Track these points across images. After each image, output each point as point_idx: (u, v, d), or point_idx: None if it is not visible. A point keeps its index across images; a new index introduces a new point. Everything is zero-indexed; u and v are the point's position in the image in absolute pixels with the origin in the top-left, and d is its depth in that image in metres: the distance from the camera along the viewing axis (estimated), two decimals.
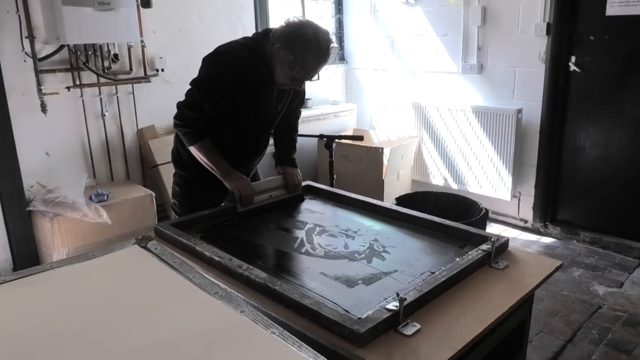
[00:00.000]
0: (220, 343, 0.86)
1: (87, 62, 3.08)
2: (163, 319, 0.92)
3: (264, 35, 1.81)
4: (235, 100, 1.82)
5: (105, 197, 3.05)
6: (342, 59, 4.70)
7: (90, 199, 3.00)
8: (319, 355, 0.81)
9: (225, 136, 1.92)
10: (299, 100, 2.14)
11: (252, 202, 1.90)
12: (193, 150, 1.88)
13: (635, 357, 2.29)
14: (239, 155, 1.97)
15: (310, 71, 1.77)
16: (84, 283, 1.06)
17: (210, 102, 1.80)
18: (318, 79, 1.96)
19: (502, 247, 1.57)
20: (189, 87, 1.85)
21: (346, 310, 1.22)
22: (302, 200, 2.09)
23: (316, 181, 2.63)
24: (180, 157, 2.04)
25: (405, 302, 1.17)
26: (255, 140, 2.02)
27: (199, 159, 1.89)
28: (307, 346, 0.84)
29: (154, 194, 3.15)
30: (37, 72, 2.91)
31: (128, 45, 3.24)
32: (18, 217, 2.97)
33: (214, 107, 1.82)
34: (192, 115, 1.82)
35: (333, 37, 1.81)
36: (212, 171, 1.89)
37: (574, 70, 3.38)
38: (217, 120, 1.87)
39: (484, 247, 1.53)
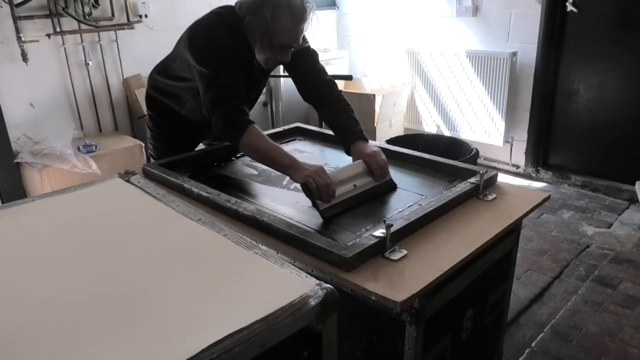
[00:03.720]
0: (202, 262, 0.86)
1: (66, 8, 2.96)
2: (144, 243, 0.92)
3: (233, 10, 1.61)
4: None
5: (94, 147, 3.01)
6: (333, 4, 4.55)
7: (79, 150, 2.96)
8: (301, 271, 0.81)
9: (200, 116, 1.76)
10: (306, 63, 1.77)
11: (333, 194, 1.41)
12: (244, 149, 1.59)
13: (620, 290, 2.35)
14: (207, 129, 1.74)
15: (290, 36, 1.55)
16: (65, 212, 1.04)
17: (235, 68, 1.57)
18: (306, 44, 1.69)
19: (490, 180, 1.57)
20: (203, 84, 1.58)
21: (333, 239, 1.22)
22: (395, 189, 1.58)
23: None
24: (152, 98, 1.92)
25: (392, 229, 1.17)
26: None
27: (257, 159, 1.64)
28: (289, 264, 0.84)
29: (142, 144, 3.11)
30: (15, 18, 2.81)
31: None
32: (7, 169, 2.94)
33: (237, 70, 1.58)
34: (228, 102, 1.54)
35: None
36: (272, 166, 1.57)
37: (571, 10, 3.29)
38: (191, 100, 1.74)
39: (473, 180, 1.52)
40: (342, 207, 1.43)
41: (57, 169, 2.82)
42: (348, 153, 1.69)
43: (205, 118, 1.67)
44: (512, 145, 3.78)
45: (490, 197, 1.50)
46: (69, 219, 1.01)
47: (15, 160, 2.92)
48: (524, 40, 3.50)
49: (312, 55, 1.80)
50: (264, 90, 3.97)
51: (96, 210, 1.04)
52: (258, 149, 1.56)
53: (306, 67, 1.78)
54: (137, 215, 1.02)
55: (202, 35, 1.62)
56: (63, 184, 2.86)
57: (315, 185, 1.39)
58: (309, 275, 0.80)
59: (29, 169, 2.89)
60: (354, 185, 1.50)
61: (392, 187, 1.58)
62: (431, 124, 4.03)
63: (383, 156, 1.60)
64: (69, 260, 0.87)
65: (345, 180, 1.49)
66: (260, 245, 0.90)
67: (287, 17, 1.52)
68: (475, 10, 3.67)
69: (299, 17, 1.54)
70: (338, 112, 1.76)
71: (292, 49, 1.62)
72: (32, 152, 2.91)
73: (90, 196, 1.10)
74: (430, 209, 1.33)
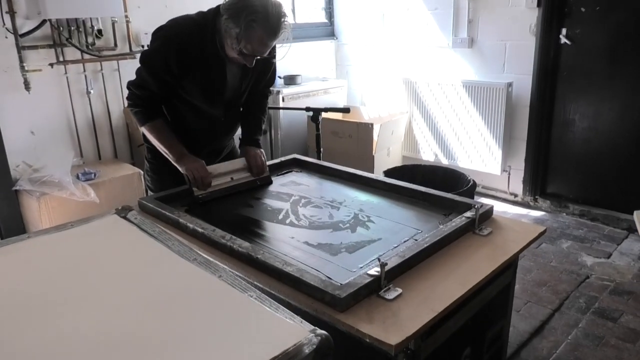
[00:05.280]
0: (196, 305, 0.85)
1: (70, 38, 3.02)
2: (139, 283, 0.92)
3: (217, 11, 1.71)
4: (182, 77, 1.75)
5: (93, 175, 3.02)
6: (332, 34, 4.64)
7: (78, 177, 2.97)
8: (295, 315, 0.81)
9: (184, 115, 1.86)
10: (267, 80, 2.02)
11: (209, 184, 1.79)
12: (145, 131, 1.82)
13: (621, 324, 2.32)
14: (200, 134, 1.91)
15: (258, 46, 1.65)
16: (61, 251, 1.04)
17: (155, 78, 1.74)
18: (273, 57, 1.86)
19: (486, 214, 1.57)
20: (136, 72, 1.80)
21: (328, 277, 1.22)
22: (270, 183, 1.95)
23: (306, 156, 2.62)
24: None
25: (387, 268, 1.17)
26: (216, 119, 1.91)
27: (152, 142, 1.84)
28: (284, 308, 0.84)
29: (141, 172, 3.12)
30: (19, 48, 2.86)
31: (112, 20, 3.18)
32: (4, 196, 2.94)
33: (160, 84, 1.75)
34: (140, 93, 1.77)
35: (287, 12, 1.68)
36: (165, 155, 1.82)
37: (565, 42, 3.35)
38: (173, 99, 1.82)
39: (468, 214, 1.52)
40: (216, 194, 1.80)
41: (55, 196, 2.82)
42: (240, 148, 2.02)
43: (200, 127, 1.90)
44: (509, 174, 3.79)
45: (486, 232, 1.50)
46: (64, 259, 1.01)
47: (14, 188, 2.93)
48: (519, 71, 3.55)
49: (272, 77, 2.04)
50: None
51: (92, 250, 1.04)
52: (155, 140, 1.83)
53: (262, 80, 2.00)
54: (133, 256, 1.02)
55: (160, 35, 1.75)
56: (61, 212, 2.86)
57: (193, 176, 1.75)
58: (303, 321, 0.79)
59: (27, 197, 2.90)
60: (231, 178, 1.87)
61: (267, 181, 1.94)
62: (429, 153, 4.06)
63: (263, 158, 1.96)
64: (63, 302, 0.87)
65: (224, 173, 1.86)
66: (255, 289, 0.90)
67: (260, 30, 1.62)
68: (471, 42, 3.74)
69: (272, 33, 1.64)
70: (254, 116, 2.05)
71: (257, 58, 1.73)
72: (31, 179, 2.91)
73: (87, 234, 1.10)
74: (426, 245, 1.33)
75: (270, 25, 1.61)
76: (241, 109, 2.04)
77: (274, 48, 1.78)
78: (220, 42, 1.71)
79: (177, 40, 1.70)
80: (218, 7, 1.71)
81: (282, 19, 1.64)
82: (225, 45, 1.71)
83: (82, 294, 0.89)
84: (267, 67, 1.95)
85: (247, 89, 1.94)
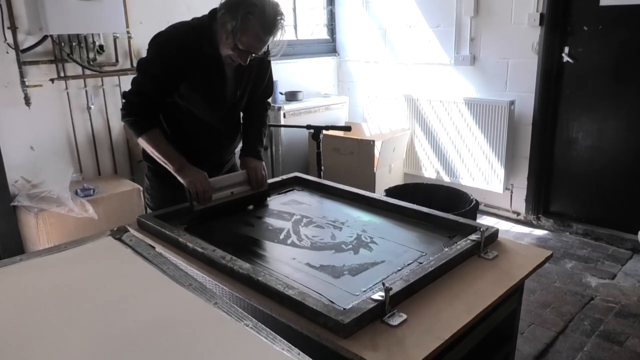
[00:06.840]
0: (190, 335, 0.81)
1: (71, 54, 3.01)
2: (131, 312, 0.88)
3: (212, 14, 1.71)
4: (180, 82, 1.73)
5: (92, 191, 2.99)
6: (333, 51, 4.65)
7: (76, 193, 2.94)
8: (293, 347, 0.77)
9: (184, 127, 1.84)
10: (264, 88, 1.99)
11: (210, 199, 1.73)
12: (142, 142, 1.77)
13: (627, 348, 2.27)
14: (201, 144, 1.89)
15: (253, 40, 1.63)
16: (53, 275, 1.01)
17: (153, 83, 1.71)
18: (267, 55, 1.80)
19: (491, 237, 1.54)
20: (133, 81, 1.77)
21: (331, 301, 1.18)
22: (268, 196, 1.93)
23: (307, 173, 2.59)
24: None
25: (391, 292, 1.13)
26: (215, 129, 1.89)
27: (150, 153, 1.80)
28: (281, 338, 0.80)
29: (141, 188, 3.09)
30: (20, 63, 2.85)
31: (114, 36, 3.18)
32: (2, 212, 2.91)
33: (159, 88, 1.72)
34: (137, 100, 1.73)
35: (285, 12, 1.70)
36: (165, 166, 1.77)
37: (567, 61, 3.35)
38: (171, 107, 1.80)
39: (473, 237, 1.49)
40: (215, 210, 1.75)
41: (54, 212, 2.79)
42: (240, 159, 1.97)
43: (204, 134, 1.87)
44: (512, 192, 3.76)
45: (491, 256, 1.46)
46: (55, 283, 0.98)
47: (12, 204, 2.89)
48: (522, 89, 3.55)
49: (269, 85, 2.01)
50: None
51: (83, 274, 1.01)
52: (152, 151, 1.77)
53: (259, 88, 1.97)
54: (125, 281, 0.98)
55: (158, 41, 1.73)
56: (59, 228, 2.82)
57: (195, 190, 1.69)
58: (301, 353, 0.76)
59: (25, 213, 2.86)
60: (232, 192, 1.82)
61: (265, 196, 1.92)
62: (431, 170, 4.04)
63: (263, 171, 1.91)
64: (51, 330, 0.83)
65: (225, 187, 1.81)
66: (251, 318, 0.86)
67: (256, 24, 1.61)
68: (473, 59, 3.74)
69: (267, 28, 1.63)
70: (254, 128, 2.01)
71: (252, 56, 1.71)
72: (29, 195, 2.88)
73: (79, 258, 1.07)
74: (431, 269, 1.29)
75: (266, 19, 1.61)
76: (241, 121, 2.02)
77: (267, 50, 1.75)
78: (216, 46, 1.70)
79: (176, 45, 1.70)
80: (213, 10, 1.71)
81: (279, 17, 1.64)
82: (220, 43, 1.69)
83: (71, 321, 0.86)
84: (262, 72, 1.92)
85: (244, 95, 1.91)
